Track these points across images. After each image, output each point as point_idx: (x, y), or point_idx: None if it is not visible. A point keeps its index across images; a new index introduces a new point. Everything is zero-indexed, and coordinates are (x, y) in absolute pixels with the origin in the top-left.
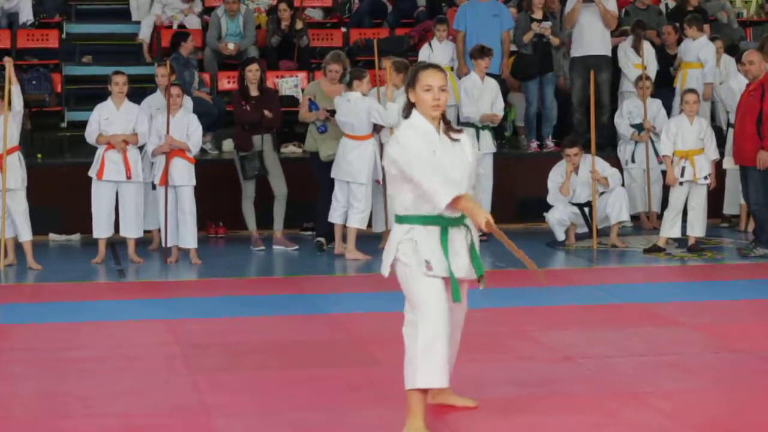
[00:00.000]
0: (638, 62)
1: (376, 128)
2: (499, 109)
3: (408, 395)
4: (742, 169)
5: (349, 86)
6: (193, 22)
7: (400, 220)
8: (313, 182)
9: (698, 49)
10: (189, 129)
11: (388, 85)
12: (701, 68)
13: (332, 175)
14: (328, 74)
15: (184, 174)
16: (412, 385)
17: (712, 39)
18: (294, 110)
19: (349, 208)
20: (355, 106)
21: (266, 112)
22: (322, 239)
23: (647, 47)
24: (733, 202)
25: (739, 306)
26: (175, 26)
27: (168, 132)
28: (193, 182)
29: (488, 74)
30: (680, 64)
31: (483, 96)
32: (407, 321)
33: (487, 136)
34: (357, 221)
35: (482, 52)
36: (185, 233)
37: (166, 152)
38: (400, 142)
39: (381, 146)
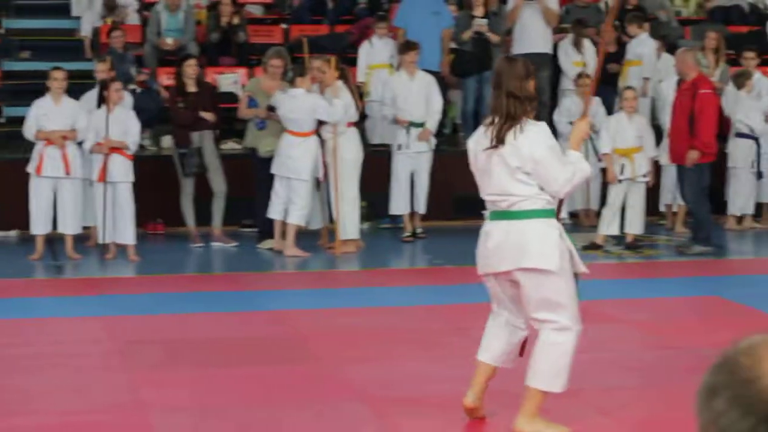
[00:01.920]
0: (578, 60)
1: (319, 125)
2: (436, 102)
3: (539, 397)
4: (678, 168)
5: (292, 83)
6: (133, 18)
7: (548, 214)
8: (252, 179)
9: (637, 46)
10: (127, 125)
11: (333, 82)
12: (641, 65)
13: (273, 171)
14: (269, 69)
15: (122, 171)
16: (554, 388)
17: (653, 38)
18: (233, 107)
19: (289, 205)
20: (300, 102)
21: (203, 114)
22: (271, 242)
23: (587, 45)
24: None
25: (676, 303)
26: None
27: (107, 127)
28: (131, 179)
29: (429, 71)
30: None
31: (412, 92)
32: (565, 326)
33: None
34: (297, 218)
35: (407, 46)
36: (123, 230)
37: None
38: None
39: (322, 143)
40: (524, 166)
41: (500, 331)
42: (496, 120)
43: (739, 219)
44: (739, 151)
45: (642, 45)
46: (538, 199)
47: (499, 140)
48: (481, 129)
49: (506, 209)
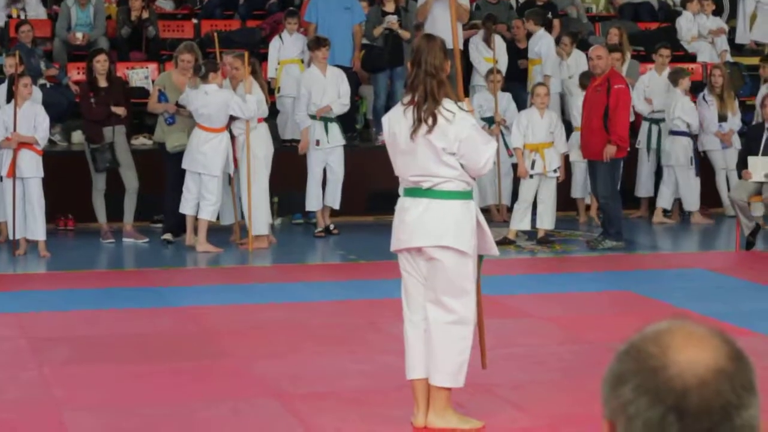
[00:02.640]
0: (489, 56)
1: (230, 120)
2: (345, 93)
3: (446, 394)
4: (590, 163)
5: (205, 78)
6: (39, 12)
7: (467, 196)
8: (164, 174)
9: (535, 44)
10: (36, 120)
11: (247, 78)
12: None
13: (184, 166)
14: (180, 64)
15: (32, 166)
16: (459, 384)
17: (562, 35)
18: (144, 102)
19: (200, 200)
20: (213, 98)
21: (114, 109)
22: (169, 236)
23: (498, 41)
24: (581, 193)
25: (587, 297)
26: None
27: (15, 122)
28: (41, 174)
29: (339, 66)
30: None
31: (326, 88)
32: (466, 319)
33: (335, 129)
34: (208, 213)
35: (318, 42)
36: (33, 225)
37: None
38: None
39: (233, 138)
40: (450, 147)
41: (421, 343)
42: (416, 98)
43: (664, 213)
44: (676, 149)
45: (539, 42)
46: (459, 181)
47: (423, 121)
48: (399, 108)
49: (428, 188)
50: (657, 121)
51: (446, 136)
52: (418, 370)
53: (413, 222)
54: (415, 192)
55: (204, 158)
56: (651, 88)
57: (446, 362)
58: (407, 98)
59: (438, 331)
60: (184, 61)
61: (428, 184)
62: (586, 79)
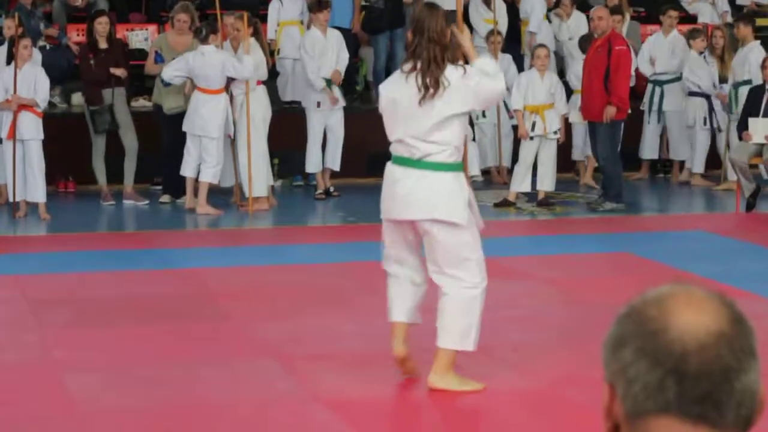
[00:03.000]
0: (489, 17)
1: (229, 82)
2: (343, 60)
3: (451, 356)
4: (590, 125)
5: (205, 40)
6: None
7: (458, 167)
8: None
9: (526, 2)
10: (36, 83)
11: (245, 39)
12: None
13: (184, 129)
14: (176, 24)
15: (32, 128)
16: (467, 347)
17: None
18: (144, 64)
19: (201, 162)
20: (210, 59)
21: (114, 70)
22: (167, 197)
23: (498, 2)
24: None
25: (588, 259)
26: None
27: (15, 85)
28: (41, 136)
29: (339, 28)
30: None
31: (327, 50)
32: (473, 283)
33: (336, 91)
34: (209, 176)
35: (320, 5)
36: (33, 187)
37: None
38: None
39: (232, 99)
40: (460, 109)
41: (405, 292)
42: (419, 65)
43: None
44: (690, 109)
45: (526, 2)
46: (452, 152)
47: (429, 86)
48: (399, 75)
49: (419, 159)
50: (661, 83)
51: (453, 101)
52: (398, 313)
53: (405, 195)
54: (407, 162)
55: (202, 120)
56: (656, 49)
57: (453, 325)
58: (408, 65)
59: (446, 297)
60: (180, 21)
61: (419, 154)
62: (586, 43)
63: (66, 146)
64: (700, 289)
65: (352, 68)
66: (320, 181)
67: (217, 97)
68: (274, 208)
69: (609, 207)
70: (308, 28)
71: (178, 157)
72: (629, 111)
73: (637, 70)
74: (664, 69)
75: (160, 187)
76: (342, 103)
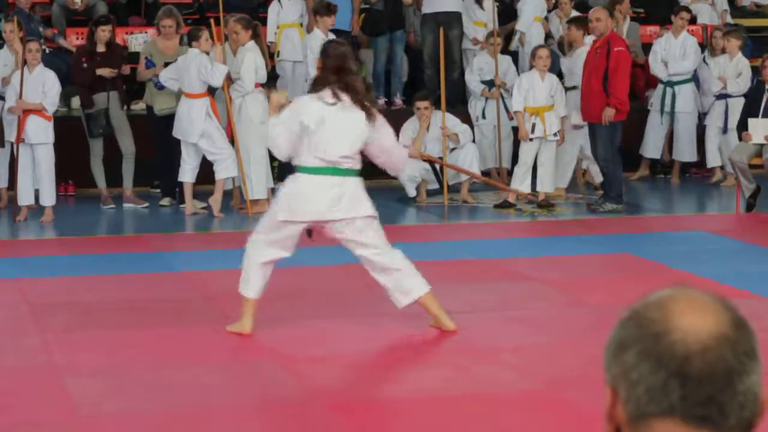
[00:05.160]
0: (480, 20)
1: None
2: None
3: (432, 295)
4: (590, 126)
5: (189, 45)
6: None
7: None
8: None
9: (523, 3)
10: (45, 86)
11: (217, 45)
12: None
13: (174, 134)
14: (162, 30)
15: (39, 132)
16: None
17: None
18: None
19: (214, 163)
20: (189, 63)
21: (100, 71)
22: (167, 200)
23: (490, 5)
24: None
25: (587, 260)
26: None
27: (21, 88)
28: (51, 140)
29: (338, 30)
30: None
31: None
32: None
33: None
34: (187, 176)
35: (329, 9)
36: (42, 192)
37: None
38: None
39: (231, 103)
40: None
41: (265, 271)
42: (350, 96)
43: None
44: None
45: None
46: (358, 161)
47: (369, 111)
48: (319, 100)
49: (346, 168)
50: (672, 84)
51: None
52: (252, 292)
53: (335, 198)
54: (332, 171)
55: (180, 124)
56: (667, 50)
57: (408, 277)
58: (329, 95)
59: (383, 257)
60: (165, 26)
61: (348, 164)
62: (562, 45)
63: (66, 150)
64: (702, 292)
65: None
66: None
67: (198, 101)
68: None
69: (609, 208)
70: (308, 30)
71: (173, 159)
72: (628, 113)
73: (646, 69)
74: (675, 70)
75: (159, 191)
76: None
